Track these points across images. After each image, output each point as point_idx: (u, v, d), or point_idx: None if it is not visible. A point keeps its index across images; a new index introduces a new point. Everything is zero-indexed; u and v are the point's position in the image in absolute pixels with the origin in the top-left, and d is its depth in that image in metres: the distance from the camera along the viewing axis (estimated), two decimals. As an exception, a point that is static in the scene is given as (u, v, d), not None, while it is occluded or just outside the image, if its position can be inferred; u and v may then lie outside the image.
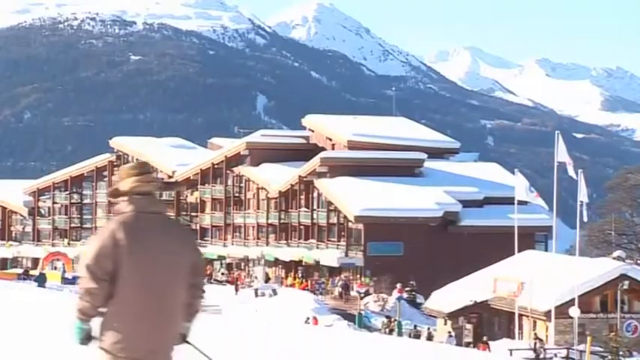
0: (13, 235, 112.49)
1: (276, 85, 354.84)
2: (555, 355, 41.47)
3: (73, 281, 72.06)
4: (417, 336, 50.57)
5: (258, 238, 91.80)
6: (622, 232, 66.25)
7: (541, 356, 41.34)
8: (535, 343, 43.50)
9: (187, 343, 6.46)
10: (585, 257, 55.76)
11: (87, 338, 6.08)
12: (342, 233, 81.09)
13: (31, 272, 75.57)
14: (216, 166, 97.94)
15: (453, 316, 54.27)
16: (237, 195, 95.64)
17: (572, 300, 46.43)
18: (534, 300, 48.93)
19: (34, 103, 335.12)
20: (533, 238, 69.58)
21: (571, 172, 52.72)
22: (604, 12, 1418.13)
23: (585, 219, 54.21)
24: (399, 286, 63.27)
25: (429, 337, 50.69)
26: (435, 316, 56.44)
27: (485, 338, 47.41)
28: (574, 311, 45.78)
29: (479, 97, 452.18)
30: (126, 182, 6.13)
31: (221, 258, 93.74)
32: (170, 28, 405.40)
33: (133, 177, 6.16)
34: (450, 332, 50.90)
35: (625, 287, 49.47)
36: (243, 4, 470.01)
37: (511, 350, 42.31)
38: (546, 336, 48.11)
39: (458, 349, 35.42)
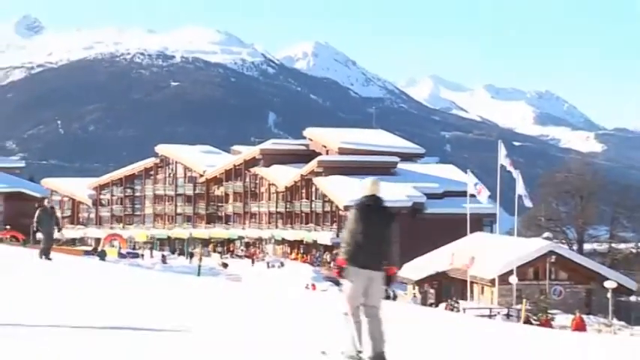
0: (81, 220, 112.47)
1: (283, 104, 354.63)
2: (498, 312, 41.49)
3: (126, 256, 72.29)
4: (388, 297, 50.59)
5: (269, 223, 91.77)
6: (550, 218, 66.18)
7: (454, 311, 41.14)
8: (452, 304, 43.73)
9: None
10: (521, 237, 55.77)
11: None
12: (334, 219, 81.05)
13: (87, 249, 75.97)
14: (237, 167, 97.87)
15: (419, 283, 54.35)
16: (253, 189, 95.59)
17: (511, 270, 46.49)
18: (482, 270, 49.01)
19: (97, 118, 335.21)
20: (482, 222, 69.44)
21: (512, 171, 53.01)
22: (536, 46, 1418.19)
23: (529, 204, 54.44)
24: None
25: (394, 298, 50.87)
26: (405, 283, 56.46)
27: (450, 301, 47.52)
28: (513, 279, 45.86)
29: (439, 114, 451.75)
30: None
31: (240, 238, 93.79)
32: (201, 60, 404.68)
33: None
34: (414, 294, 50.96)
35: (552, 260, 49.56)
36: (258, 43, 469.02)
37: (464, 309, 42.41)
38: (491, 299, 48.24)
39: (426, 308, 35.50)
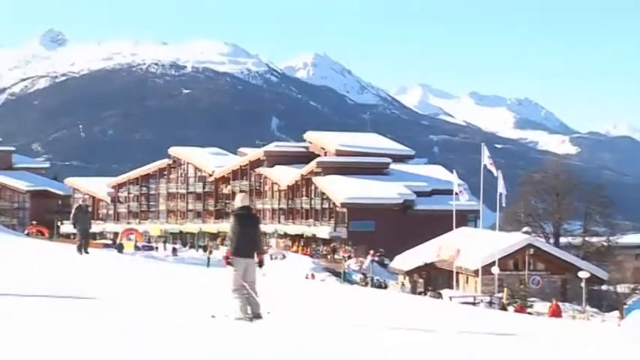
0: (100, 216, 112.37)
1: (285, 110, 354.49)
2: (482, 300, 41.48)
3: (141, 248, 72.13)
4: (380, 286, 50.53)
5: (272, 218, 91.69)
6: (529, 214, 66.09)
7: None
8: (437, 294, 43.72)
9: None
10: (503, 232, 55.76)
11: None
12: (332, 215, 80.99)
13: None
14: (242, 167, 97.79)
15: (409, 273, 54.38)
16: (257, 188, 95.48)
17: (493, 262, 46.53)
18: (466, 262, 49.07)
19: (115, 123, 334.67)
20: (466, 218, 69.41)
21: (494, 171, 52.93)
22: (516, 57, 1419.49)
23: (503, 204, 54.39)
24: (371, 252, 63.24)
25: (385, 286, 50.87)
26: (397, 273, 56.50)
27: (437, 290, 47.51)
28: (495, 270, 45.88)
29: (428, 119, 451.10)
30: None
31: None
32: (210, 70, 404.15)
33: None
34: (402, 283, 50.94)
35: (531, 253, 49.61)
36: (262, 54, 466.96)
37: (451, 297, 42.42)
38: (475, 288, 48.25)
39: (415, 297, 35.46)
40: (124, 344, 7.66)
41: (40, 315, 9.48)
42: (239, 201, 10.88)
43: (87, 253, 22.20)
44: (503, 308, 35.68)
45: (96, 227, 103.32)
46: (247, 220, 10.58)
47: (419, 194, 79.10)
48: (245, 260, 10.27)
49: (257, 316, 10.09)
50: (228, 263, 10.35)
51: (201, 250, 74.14)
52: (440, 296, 41.91)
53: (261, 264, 10.45)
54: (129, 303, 11.39)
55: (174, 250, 74.29)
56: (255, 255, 10.40)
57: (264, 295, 10.41)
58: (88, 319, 9.37)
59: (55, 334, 8.00)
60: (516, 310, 34.67)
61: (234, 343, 8.36)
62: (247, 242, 10.33)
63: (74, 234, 24.91)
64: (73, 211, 23.43)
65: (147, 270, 19.97)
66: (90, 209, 25.65)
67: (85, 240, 22.82)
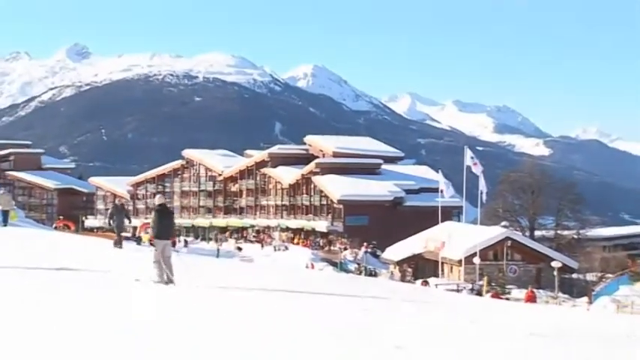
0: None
1: (287, 116, 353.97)
2: (464, 287, 41.49)
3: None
4: (371, 274, 50.46)
5: (276, 214, 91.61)
6: (507, 210, 66.07)
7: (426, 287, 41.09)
8: (424, 282, 43.77)
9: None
10: (483, 226, 55.78)
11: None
12: (329, 210, 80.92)
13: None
14: (249, 167, 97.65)
15: (399, 263, 54.30)
16: (262, 186, 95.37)
17: (475, 253, 46.49)
18: (451, 252, 49.03)
19: (134, 128, 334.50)
20: (451, 213, 69.34)
21: (476, 171, 52.94)
22: (495, 68, 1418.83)
23: (484, 200, 54.42)
24: (365, 244, 63.24)
25: (375, 274, 50.85)
26: (388, 263, 56.47)
27: (425, 278, 47.46)
28: (476, 260, 45.86)
29: (416, 124, 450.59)
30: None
31: (252, 226, 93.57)
32: (220, 80, 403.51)
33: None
34: (392, 272, 50.93)
35: (508, 245, 49.63)
36: (266, 65, 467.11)
37: (437, 285, 42.43)
38: (458, 276, 48.24)
39: (404, 284, 35.46)
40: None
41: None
42: (157, 200, 13.96)
43: (120, 247, 21.95)
44: (479, 294, 35.69)
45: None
46: (163, 213, 13.31)
47: (408, 192, 79.08)
48: (163, 242, 12.83)
49: (170, 281, 12.56)
50: (152, 244, 13.16)
51: (211, 242, 74.13)
52: (427, 284, 41.94)
53: (174, 244, 13.30)
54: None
55: (186, 242, 74.24)
56: (169, 238, 13.11)
57: (177, 268, 12.98)
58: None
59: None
60: (492, 296, 34.66)
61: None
62: (164, 229, 13.02)
63: (98, 228, 24.90)
64: (109, 209, 23.35)
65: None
66: (125, 207, 25.39)
67: (120, 236, 22.67)
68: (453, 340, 7.99)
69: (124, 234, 24.27)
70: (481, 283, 42.82)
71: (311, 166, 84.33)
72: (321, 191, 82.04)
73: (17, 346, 6.43)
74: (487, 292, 38.80)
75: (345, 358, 6.63)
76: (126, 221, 23.42)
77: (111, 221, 23.02)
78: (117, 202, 24.91)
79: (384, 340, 7.66)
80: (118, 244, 22.30)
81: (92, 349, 6.48)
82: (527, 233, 62.21)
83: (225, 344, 7.05)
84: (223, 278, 14.86)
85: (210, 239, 79.21)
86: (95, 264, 15.59)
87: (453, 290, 37.63)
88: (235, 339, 7.34)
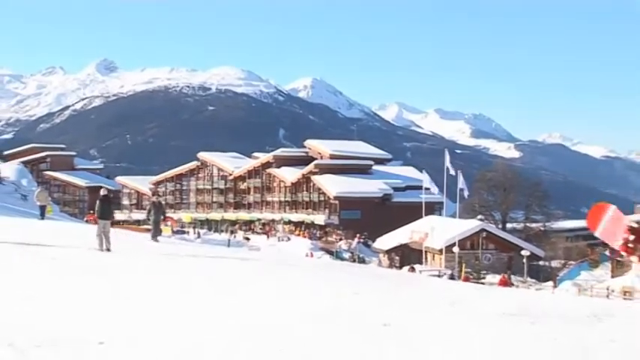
0: (143, 207, 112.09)
1: (290, 123, 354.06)
2: (445, 273, 41.51)
3: (176, 232, 71.85)
4: (362, 262, 50.42)
5: (279, 209, 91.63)
6: (482, 205, 66.10)
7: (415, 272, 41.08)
8: (411, 268, 43.76)
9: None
10: (461, 219, 55.82)
11: None
12: (326, 206, 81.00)
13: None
14: (256, 168, 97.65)
15: (388, 252, 54.43)
16: (267, 184, 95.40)
17: (454, 243, 46.55)
18: (433, 242, 49.09)
19: (155, 133, 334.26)
20: (433, 208, 69.35)
21: (451, 169, 52.97)
22: (472, 78, 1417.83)
23: (465, 196, 54.48)
24: (358, 235, 63.31)
25: (364, 261, 50.86)
26: (378, 252, 56.53)
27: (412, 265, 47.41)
28: (455, 249, 45.91)
29: (402, 130, 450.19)
30: None
31: (259, 219, 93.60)
32: (231, 91, 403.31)
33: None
34: (379, 260, 50.91)
35: (484, 236, 49.72)
36: (271, 78, 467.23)
37: (420, 271, 42.46)
38: (440, 263, 48.25)
39: (391, 270, 35.41)
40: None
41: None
42: (101, 192, 16.77)
43: (157, 241, 21.35)
44: (452, 278, 35.70)
45: (140, 215, 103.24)
46: (104, 202, 16.04)
47: (395, 189, 79.17)
48: (103, 221, 15.52)
49: (108, 249, 15.23)
50: (95, 222, 16.53)
51: (223, 234, 73.99)
52: (414, 270, 41.95)
53: (112, 224, 15.80)
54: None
55: (199, 233, 74.22)
56: (108, 219, 15.68)
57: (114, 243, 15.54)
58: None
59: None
60: (463, 280, 34.70)
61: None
62: (105, 213, 15.73)
63: (124, 221, 24.61)
64: (148, 206, 22.90)
65: (168, 243, 19.99)
66: (162, 204, 24.65)
67: (156, 230, 22.03)
68: (434, 319, 7.96)
69: (146, 226, 23.99)
70: (459, 269, 42.85)
71: (310, 166, 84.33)
72: (319, 189, 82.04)
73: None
74: (465, 277, 38.84)
75: (337, 333, 6.60)
76: (162, 217, 22.78)
77: (149, 216, 22.48)
78: (155, 199, 24.24)
79: (373, 319, 7.63)
80: (155, 237, 21.62)
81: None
82: (500, 226, 62.26)
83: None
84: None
85: (222, 231, 79.16)
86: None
87: (435, 275, 37.59)
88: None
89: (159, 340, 6.02)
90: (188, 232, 76.41)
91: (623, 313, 10.29)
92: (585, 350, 6.36)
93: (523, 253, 44.91)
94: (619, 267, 42.33)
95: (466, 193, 54.38)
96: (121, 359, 5.32)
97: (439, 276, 38.66)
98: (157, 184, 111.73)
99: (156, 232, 22.08)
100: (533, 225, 64.58)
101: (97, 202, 16.00)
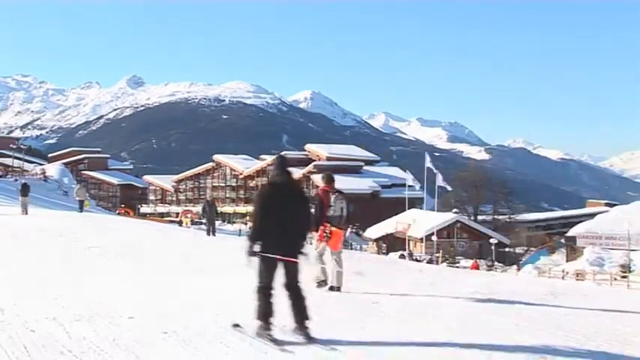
0: (166, 201, 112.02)
1: (292, 130, 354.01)
2: (424, 259, 41.55)
3: (195, 223, 71.57)
4: (351, 249, 50.21)
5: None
6: (457, 200, 66.10)
7: (412, 258, 41.18)
8: (409, 254, 43.68)
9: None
10: (439, 212, 55.86)
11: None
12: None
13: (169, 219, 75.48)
14: (263, 168, 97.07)
15: (376, 240, 54.44)
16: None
17: (433, 232, 46.60)
18: (415, 232, 49.11)
19: (177, 138, 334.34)
20: (415, 203, 69.37)
21: (435, 170, 52.96)
22: (450, 90, 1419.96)
23: (447, 187, 54.40)
24: (350, 226, 63.05)
25: (351, 247, 50.67)
26: (368, 240, 56.52)
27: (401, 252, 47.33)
28: (434, 238, 45.94)
29: (389, 135, 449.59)
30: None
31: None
32: (242, 103, 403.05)
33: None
34: (367, 247, 50.75)
35: (458, 226, 49.75)
36: (276, 91, 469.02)
37: (402, 255, 42.47)
38: (421, 250, 48.28)
39: (379, 256, 35.38)
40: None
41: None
42: (77, 190, 17.22)
43: (214, 235, 20.20)
44: (430, 262, 35.71)
45: (164, 209, 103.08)
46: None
47: (383, 187, 79.21)
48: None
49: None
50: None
51: (234, 225, 73.89)
52: (404, 257, 41.95)
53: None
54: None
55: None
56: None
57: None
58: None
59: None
60: (427, 262, 34.71)
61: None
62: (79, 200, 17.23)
63: (150, 213, 24.27)
64: (202, 204, 22.19)
65: (186, 232, 19.93)
66: (215, 203, 23.77)
67: (211, 226, 20.96)
68: (416, 297, 8.01)
69: (169, 218, 23.77)
70: (437, 255, 42.88)
71: (310, 167, 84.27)
72: (318, 186, 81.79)
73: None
74: (442, 262, 38.85)
75: (330, 310, 6.63)
76: (214, 215, 21.62)
77: (203, 214, 21.92)
78: (209, 198, 23.54)
79: (363, 298, 7.68)
80: (210, 233, 20.58)
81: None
82: (472, 218, 62.30)
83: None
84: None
85: (234, 222, 79.10)
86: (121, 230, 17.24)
87: (416, 260, 37.61)
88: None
89: (185, 314, 6.03)
90: (204, 223, 76.12)
91: (575, 291, 10.42)
92: (546, 321, 6.42)
93: (492, 241, 44.97)
94: (572, 253, 42.43)
95: (449, 188, 54.41)
96: (148, 329, 5.36)
97: (419, 261, 38.72)
98: (178, 182, 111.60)
99: (211, 229, 20.86)
100: (500, 217, 64.66)
101: (78, 188, 16.67)
